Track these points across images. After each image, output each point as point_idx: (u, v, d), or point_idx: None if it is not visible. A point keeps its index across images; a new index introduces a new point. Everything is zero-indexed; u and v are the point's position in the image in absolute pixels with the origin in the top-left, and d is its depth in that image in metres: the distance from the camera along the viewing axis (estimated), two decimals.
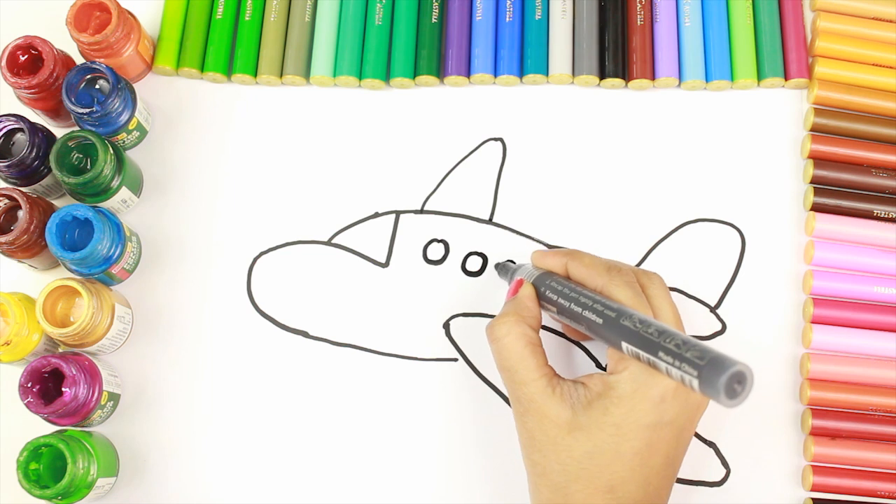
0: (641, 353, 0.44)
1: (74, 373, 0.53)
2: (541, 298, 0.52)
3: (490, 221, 0.59)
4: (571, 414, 0.47)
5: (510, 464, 0.56)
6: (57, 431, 0.54)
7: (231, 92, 0.62)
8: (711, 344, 0.57)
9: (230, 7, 0.62)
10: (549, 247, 0.59)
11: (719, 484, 0.56)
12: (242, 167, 0.61)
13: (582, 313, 0.48)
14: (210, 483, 0.56)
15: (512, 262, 0.58)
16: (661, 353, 0.42)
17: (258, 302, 0.59)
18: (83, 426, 0.56)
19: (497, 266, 0.58)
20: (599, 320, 0.47)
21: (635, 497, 0.47)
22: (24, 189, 0.56)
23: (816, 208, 0.58)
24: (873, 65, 0.60)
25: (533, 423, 0.49)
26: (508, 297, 0.53)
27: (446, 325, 0.58)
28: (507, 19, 0.61)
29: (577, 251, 0.53)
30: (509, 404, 0.57)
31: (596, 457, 0.47)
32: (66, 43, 0.58)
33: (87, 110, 0.56)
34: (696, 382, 0.40)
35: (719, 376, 0.39)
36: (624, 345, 0.45)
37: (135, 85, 0.60)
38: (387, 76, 0.61)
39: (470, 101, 0.62)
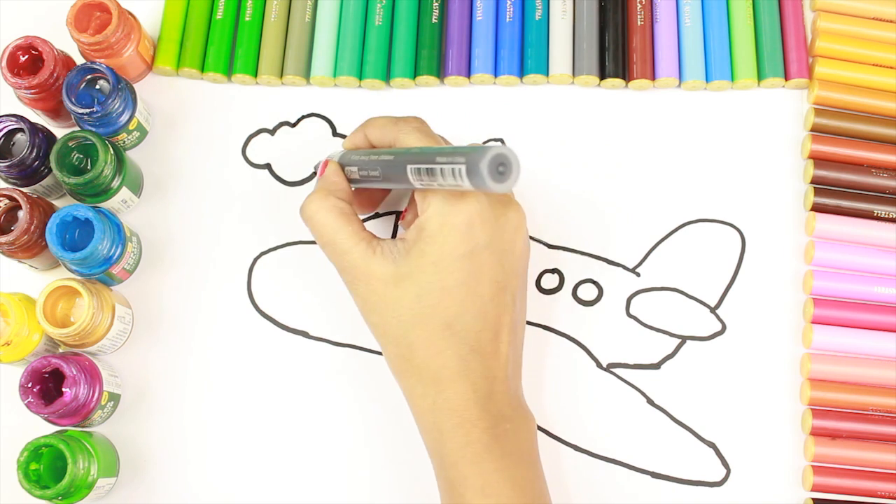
0: (422, 166, 0.45)
1: (75, 373, 0.53)
2: (350, 178, 0.53)
3: None
4: (394, 268, 0.48)
5: None
6: (57, 432, 0.54)
7: (231, 92, 0.62)
8: (711, 343, 0.57)
9: (230, 7, 0.62)
10: (550, 247, 0.59)
11: (719, 484, 0.56)
12: (242, 167, 0.61)
13: (378, 163, 0.49)
14: (210, 483, 0.56)
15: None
16: (437, 158, 0.44)
17: (258, 302, 0.59)
18: (83, 426, 0.56)
19: (316, 166, 0.58)
20: (390, 157, 0.48)
21: (474, 328, 0.48)
22: (24, 189, 0.56)
23: (817, 208, 0.58)
24: (873, 65, 0.60)
25: (363, 287, 0.49)
26: (318, 177, 0.54)
27: None
28: (508, 19, 0.61)
29: (371, 118, 0.54)
30: None
31: (424, 298, 0.48)
32: (66, 43, 0.58)
33: (88, 110, 0.56)
34: (463, 171, 0.42)
35: (480, 161, 0.41)
36: (409, 168, 0.46)
37: (135, 85, 0.60)
38: (387, 76, 0.61)
39: (470, 101, 0.62)
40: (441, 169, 0.44)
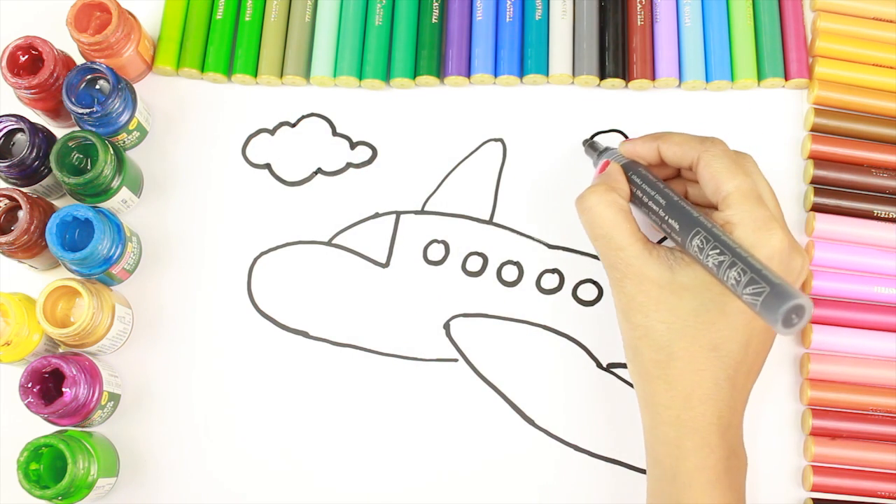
0: (711, 252, 0.45)
1: (75, 373, 0.53)
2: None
3: (490, 222, 0.59)
4: (671, 275, 0.48)
5: (510, 464, 0.56)
6: (57, 432, 0.54)
7: (231, 92, 0.62)
8: None
9: (230, 7, 0.62)
10: (550, 247, 0.59)
11: None
12: (242, 167, 0.61)
13: (665, 209, 0.49)
14: (210, 483, 0.56)
15: (598, 143, 0.58)
16: (733, 270, 0.43)
17: (258, 302, 0.59)
18: (83, 426, 0.56)
19: (585, 142, 0.58)
20: (682, 212, 0.48)
21: (736, 357, 0.48)
22: (24, 189, 0.56)
23: (816, 208, 0.58)
24: (873, 65, 0.60)
25: (632, 286, 0.49)
26: (597, 174, 0.53)
27: (447, 326, 0.58)
28: (508, 19, 0.61)
29: (667, 132, 0.53)
30: (511, 405, 0.57)
31: (702, 314, 0.47)
32: (66, 43, 0.58)
33: (88, 110, 0.56)
34: (757, 304, 0.41)
35: (780, 307, 0.40)
36: (694, 240, 0.46)
37: (135, 85, 0.60)
38: (387, 76, 0.61)
39: (470, 101, 0.62)
40: (730, 276, 0.43)
